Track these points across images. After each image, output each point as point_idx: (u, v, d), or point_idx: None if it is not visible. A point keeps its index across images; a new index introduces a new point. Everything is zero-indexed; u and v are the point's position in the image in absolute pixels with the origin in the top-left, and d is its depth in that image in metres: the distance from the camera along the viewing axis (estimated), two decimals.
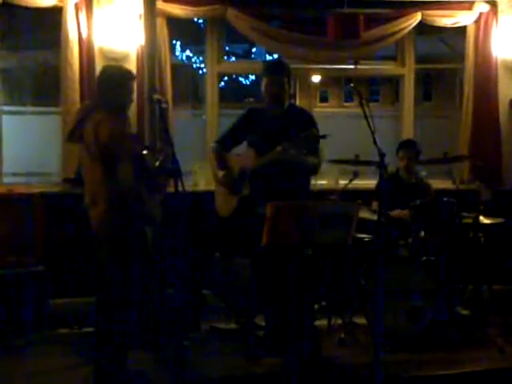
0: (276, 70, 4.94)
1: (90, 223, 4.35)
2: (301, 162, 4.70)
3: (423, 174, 6.20)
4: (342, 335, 5.39)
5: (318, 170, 4.90)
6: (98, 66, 5.97)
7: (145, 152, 4.60)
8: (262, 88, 4.95)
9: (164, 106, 4.71)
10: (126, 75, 4.52)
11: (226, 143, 5.12)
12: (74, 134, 4.43)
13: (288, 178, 4.73)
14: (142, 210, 4.32)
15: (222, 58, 6.88)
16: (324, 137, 4.54)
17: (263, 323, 5.30)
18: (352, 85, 4.50)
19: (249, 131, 5.00)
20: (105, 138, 4.15)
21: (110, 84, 4.41)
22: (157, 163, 4.55)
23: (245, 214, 4.85)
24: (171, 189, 4.11)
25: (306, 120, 4.90)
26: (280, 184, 4.71)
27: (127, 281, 4.33)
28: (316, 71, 10.78)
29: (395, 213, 5.70)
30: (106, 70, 4.59)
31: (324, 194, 5.60)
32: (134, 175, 4.21)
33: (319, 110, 15.62)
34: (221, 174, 5.02)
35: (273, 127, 4.85)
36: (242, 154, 5.05)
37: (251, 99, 14.53)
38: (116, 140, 4.18)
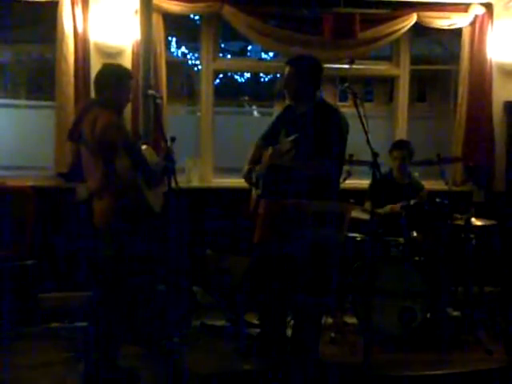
0: (287, 63, 4.66)
1: (94, 217, 4.35)
2: (293, 166, 4.45)
3: (416, 174, 6.21)
4: (333, 334, 5.40)
5: (328, 171, 4.48)
6: (93, 61, 5.98)
7: (144, 147, 4.61)
8: None
9: (158, 101, 4.73)
10: (125, 74, 4.53)
11: (266, 139, 4.84)
12: (73, 133, 4.47)
13: (288, 181, 4.48)
14: (140, 202, 4.32)
15: (218, 55, 6.88)
16: None
17: (254, 321, 5.32)
18: (346, 84, 4.48)
19: (282, 128, 4.74)
20: (100, 130, 4.17)
21: (108, 82, 4.42)
22: (156, 159, 4.57)
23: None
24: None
25: (328, 124, 4.51)
26: (282, 187, 4.50)
27: (130, 275, 4.33)
28: None
29: (387, 208, 5.72)
30: (104, 67, 4.60)
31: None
32: (132, 168, 4.22)
33: None
34: (245, 168, 4.79)
35: (295, 126, 4.59)
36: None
37: (246, 97, 14.51)
38: (111, 132, 4.20)
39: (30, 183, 6.04)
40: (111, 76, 4.46)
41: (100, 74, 4.52)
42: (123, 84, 4.47)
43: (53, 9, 5.95)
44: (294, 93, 4.66)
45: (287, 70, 4.66)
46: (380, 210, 5.65)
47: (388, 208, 5.75)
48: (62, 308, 5.81)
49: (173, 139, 4.47)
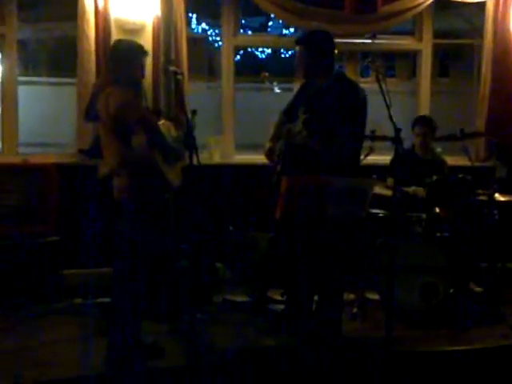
0: (296, 42, 4.67)
1: (113, 193, 4.36)
2: (306, 145, 4.45)
3: (438, 150, 6.16)
4: (355, 310, 5.41)
5: (344, 149, 4.40)
6: (114, 37, 5.93)
7: (161, 122, 4.60)
8: None
9: (179, 77, 4.71)
10: (138, 50, 4.50)
11: (287, 114, 4.81)
12: (89, 112, 4.46)
13: (307, 158, 4.46)
14: (157, 177, 4.33)
15: (238, 31, 6.83)
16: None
17: (276, 297, 5.33)
18: (369, 59, 4.43)
19: (300, 104, 4.70)
20: (114, 108, 4.16)
21: (121, 59, 4.40)
22: (176, 133, 4.57)
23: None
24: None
25: (344, 100, 4.43)
26: (301, 164, 4.49)
27: (148, 250, 4.35)
28: None
29: (411, 189, 5.68)
30: (118, 44, 4.57)
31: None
32: (148, 144, 4.22)
33: None
34: (267, 145, 4.80)
35: (312, 103, 4.58)
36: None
37: (267, 73, 14.43)
38: (125, 109, 4.19)
39: (52, 160, 6.07)
40: (123, 52, 4.43)
41: (112, 50, 4.51)
42: (136, 60, 4.44)
43: None
44: (307, 70, 4.64)
45: (298, 49, 4.65)
46: (403, 189, 5.62)
47: (411, 190, 5.69)
48: (86, 284, 5.86)
49: (194, 112, 4.46)
